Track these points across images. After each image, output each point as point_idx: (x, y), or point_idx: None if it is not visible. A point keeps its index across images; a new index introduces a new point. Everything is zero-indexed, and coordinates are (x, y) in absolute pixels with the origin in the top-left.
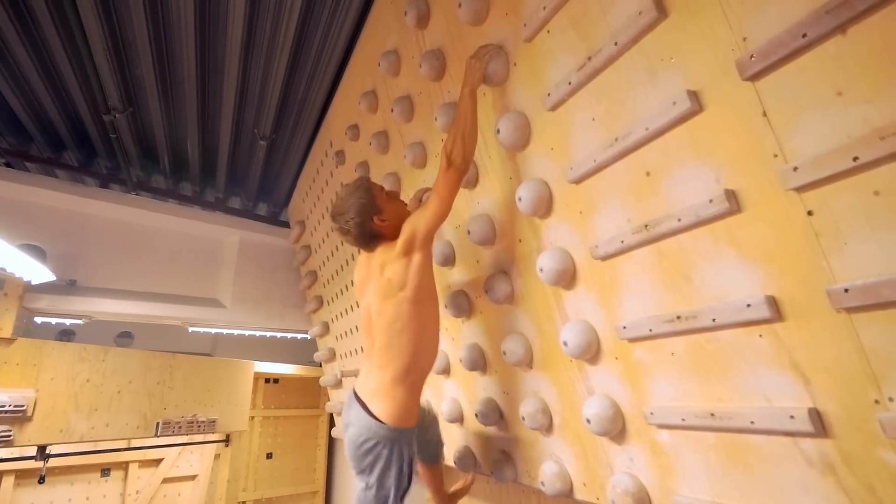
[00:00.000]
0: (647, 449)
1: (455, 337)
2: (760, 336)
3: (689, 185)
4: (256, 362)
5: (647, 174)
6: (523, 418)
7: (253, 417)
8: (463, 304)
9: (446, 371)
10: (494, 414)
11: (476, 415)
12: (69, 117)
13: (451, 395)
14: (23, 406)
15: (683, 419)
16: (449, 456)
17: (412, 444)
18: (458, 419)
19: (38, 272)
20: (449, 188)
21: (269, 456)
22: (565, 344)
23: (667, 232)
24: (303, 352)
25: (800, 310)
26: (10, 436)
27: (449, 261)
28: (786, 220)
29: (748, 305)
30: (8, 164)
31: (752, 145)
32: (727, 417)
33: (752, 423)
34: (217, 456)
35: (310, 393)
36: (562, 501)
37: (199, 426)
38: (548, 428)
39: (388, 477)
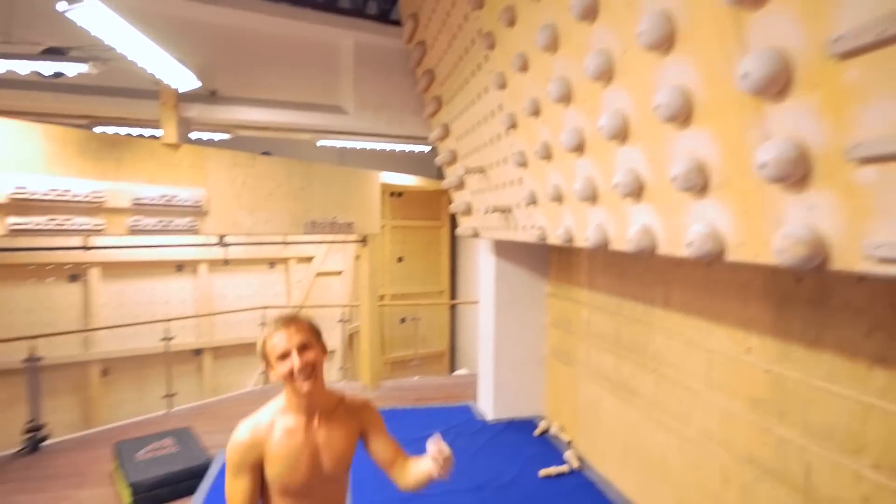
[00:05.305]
0: (838, 192)
1: (593, 106)
2: None
3: None
4: (381, 172)
5: None
6: (675, 178)
7: (383, 226)
8: (601, 61)
9: (579, 149)
10: (634, 183)
11: (615, 186)
12: None
13: (585, 175)
14: (200, 202)
15: None
16: (581, 235)
17: None
18: (591, 197)
19: (186, 79)
20: None
21: (399, 259)
22: (745, 77)
23: None
24: (421, 166)
25: None
26: (196, 225)
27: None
28: None
29: None
30: None
31: None
32: None
33: None
34: (357, 256)
35: (431, 206)
36: None
37: (339, 227)
38: (701, 189)
39: None
